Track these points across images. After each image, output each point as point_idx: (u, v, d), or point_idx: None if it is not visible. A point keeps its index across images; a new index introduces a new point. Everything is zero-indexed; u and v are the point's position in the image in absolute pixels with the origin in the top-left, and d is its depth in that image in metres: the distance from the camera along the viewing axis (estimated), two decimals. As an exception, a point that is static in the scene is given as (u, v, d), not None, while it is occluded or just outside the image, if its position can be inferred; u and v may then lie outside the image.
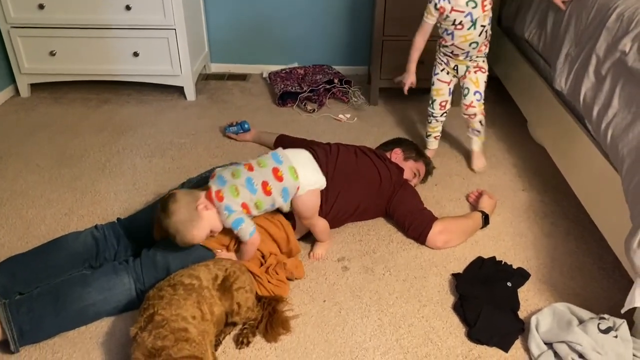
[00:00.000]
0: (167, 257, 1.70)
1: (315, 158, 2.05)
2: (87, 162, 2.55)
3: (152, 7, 2.90)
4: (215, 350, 1.57)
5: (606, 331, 1.54)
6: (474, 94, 2.41)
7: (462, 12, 2.19)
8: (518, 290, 1.82)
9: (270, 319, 1.64)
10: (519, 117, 2.81)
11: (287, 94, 3.14)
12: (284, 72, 3.38)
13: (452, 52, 2.35)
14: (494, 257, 1.97)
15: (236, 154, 2.60)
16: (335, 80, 3.21)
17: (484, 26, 2.24)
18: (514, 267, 1.92)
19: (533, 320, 1.65)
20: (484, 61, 2.41)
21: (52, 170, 2.48)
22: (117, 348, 1.59)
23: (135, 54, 3.03)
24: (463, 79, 2.43)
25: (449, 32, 2.28)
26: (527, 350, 1.61)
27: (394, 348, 1.62)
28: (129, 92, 3.25)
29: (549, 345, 1.58)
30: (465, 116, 2.48)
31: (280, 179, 1.73)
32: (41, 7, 2.90)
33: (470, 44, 2.28)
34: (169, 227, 1.64)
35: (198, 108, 3.12)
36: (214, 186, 1.72)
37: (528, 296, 1.81)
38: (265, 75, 3.50)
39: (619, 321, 1.59)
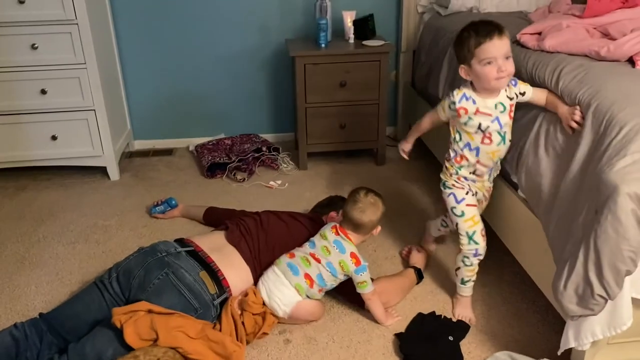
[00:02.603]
0: (98, 347, 1.59)
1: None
2: (4, 254, 2.39)
3: (68, 89, 2.83)
4: None
5: (548, 375, 1.57)
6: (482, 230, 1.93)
7: (490, 115, 1.78)
8: (460, 343, 1.83)
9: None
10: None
11: (216, 165, 3.12)
12: (210, 143, 3.37)
13: (474, 173, 1.91)
14: (433, 312, 1.98)
15: (164, 232, 2.52)
16: (264, 148, 3.23)
17: (511, 140, 1.86)
18: (454, 320, 1.94)
19: (478, 372, 1.66)
20: (492, 185, 2.03)
21: (-37, 267, 2.30)
22: None
23: (54, 138, 2.92)
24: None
25: (473, 147, 1.84)
26: (475, 404, 1.60)
27: (344, 420, 1.57)
28: (48, 176, 3.11)
29: (496, 396, 1.59)
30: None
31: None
32: (-52, 96, 2.77)
33: (496, 161, 1.92)
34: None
35: (122, 187, 3.03)
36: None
37: (470, 348, 1.82)
38: (191, 148, 3.47)
39: (558, 364, 1.62)
